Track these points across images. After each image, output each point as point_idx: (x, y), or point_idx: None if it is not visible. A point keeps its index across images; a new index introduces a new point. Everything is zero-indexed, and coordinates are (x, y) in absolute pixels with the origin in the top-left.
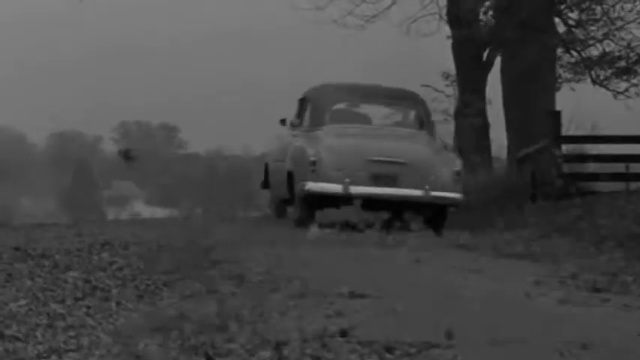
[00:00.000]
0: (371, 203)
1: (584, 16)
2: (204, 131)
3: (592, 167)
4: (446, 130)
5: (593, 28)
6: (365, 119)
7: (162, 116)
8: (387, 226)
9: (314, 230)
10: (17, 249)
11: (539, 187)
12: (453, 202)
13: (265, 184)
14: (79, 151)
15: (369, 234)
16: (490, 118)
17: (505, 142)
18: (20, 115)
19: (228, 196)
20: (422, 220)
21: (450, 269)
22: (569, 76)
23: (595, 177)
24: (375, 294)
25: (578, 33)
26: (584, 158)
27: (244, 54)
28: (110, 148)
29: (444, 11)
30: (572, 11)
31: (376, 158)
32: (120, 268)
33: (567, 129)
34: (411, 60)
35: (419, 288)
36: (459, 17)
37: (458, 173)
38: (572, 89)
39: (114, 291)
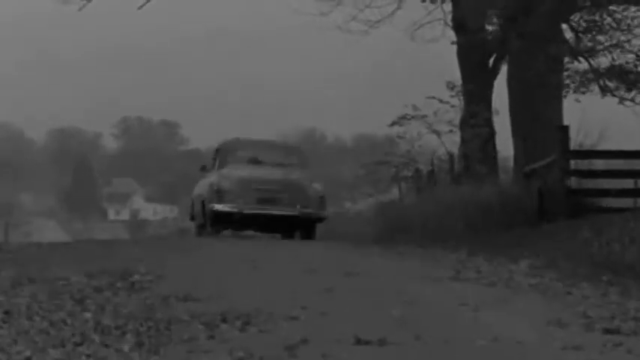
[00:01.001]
0: (260, 224)
1: (592, 26)
2: (204, 130)
3: (599, 181)
4: (451, 140)
5: (600, 37)
6: (258, 162)
7: (162, 115)
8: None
9: None
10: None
11: (547, 204)
12: (318, 218)
13: (191, 217)
14: (78, 147)
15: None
16: (496, 127)
17: (512, 153)
18: (21, 112)
19: None
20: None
21: (452, 304)
22: (576, 85)
23: (603, 193)
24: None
25: (586, 40)
26: (593, 174)
27: (244, 54)
28: (110, 144)
29: (449, 17)
30: (580, 27)
31: (261, 187)
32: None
33: (575, 138)
34: (413, 64)
35: (419, 331)
36: (463, 23)
37: (322, 197)
38: (578, 101)
39: (114, 332)
